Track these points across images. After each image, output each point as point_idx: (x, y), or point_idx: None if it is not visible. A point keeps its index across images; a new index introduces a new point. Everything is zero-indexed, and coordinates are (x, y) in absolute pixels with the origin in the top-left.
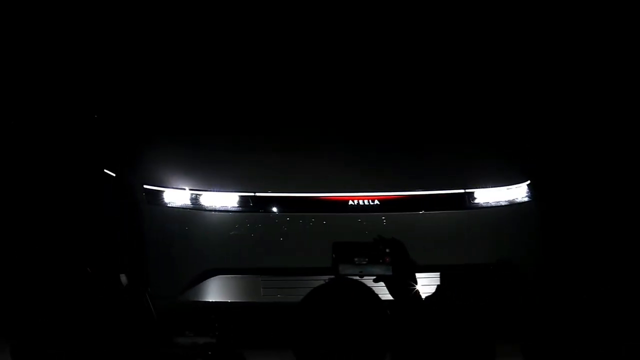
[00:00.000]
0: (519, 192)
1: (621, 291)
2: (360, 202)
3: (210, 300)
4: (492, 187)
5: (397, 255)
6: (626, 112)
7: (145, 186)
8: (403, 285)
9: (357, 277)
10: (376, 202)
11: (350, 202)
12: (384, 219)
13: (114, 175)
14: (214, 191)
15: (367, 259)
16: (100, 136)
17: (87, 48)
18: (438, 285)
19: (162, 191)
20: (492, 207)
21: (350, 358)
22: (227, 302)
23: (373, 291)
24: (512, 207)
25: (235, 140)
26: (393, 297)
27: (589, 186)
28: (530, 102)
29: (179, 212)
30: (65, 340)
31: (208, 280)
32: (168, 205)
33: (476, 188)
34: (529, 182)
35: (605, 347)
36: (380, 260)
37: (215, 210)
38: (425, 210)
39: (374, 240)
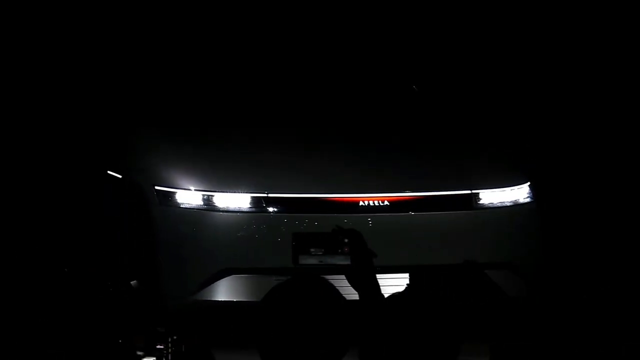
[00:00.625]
0: (521, 193)
1: (621, 291)
2: (371, 202)
3: (224, 300)
4: (495, 188)
5: (355, 246)
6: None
7: (156, 187)
8: (362, 275)
9: (325, 276)
10: (386, 202)
11: (361, 203)
12: (393, 219)
13: (119, 176)
14: (227, 192)
15: (325, 250)
16: (107, 138)
17: (93, 48)
18: (407, 284)
19: (174, 192)
20: (497, 207)
21: (312, 354)
22: (241, 301)
23: (334, 287)
24: (516, 207)
25: (246, 141)
26: (353, 287)
27: (588, 186)
28: (529, 103)
29: (191, 212)
30: (64, 340)
31: (221, 280)
32: (180, 206)
33: (481, 189)
34: (529, 183)
35: (605, 347)
36: (339, 251)
37: (228, 211)
38: (434, 211)
39: (332, 231)
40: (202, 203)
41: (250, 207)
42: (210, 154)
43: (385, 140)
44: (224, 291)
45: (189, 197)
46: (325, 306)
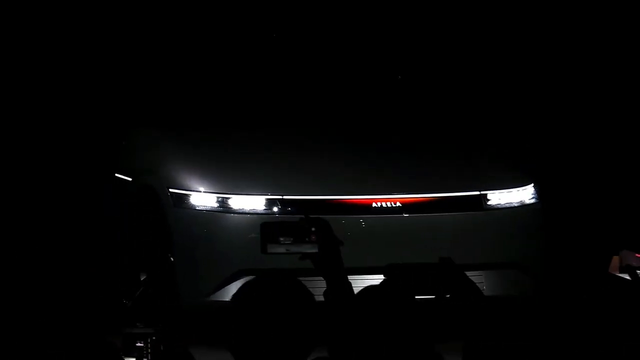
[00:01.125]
0: (526, 194)
1: (621, 291)
2: (384, 204)
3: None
4: (502, 189)
5: (322, 234)
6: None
7: (170, 190)
8: (329, 262)
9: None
10: (398, 204)
11: (374, 205)
12: (406, 220)
13: (129, 179)
14: (242, 194)
15: (293, 238)
16: (115, 141)
17: (101, 50)
18: (384, 280)
19: (189, 194)
20: (505, 208)
21: (278, 351)
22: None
23: (304, 285)
24: (522, 208)
25: (259, 144)
26: (320, 274)
27: (589, 185)
28: (530, 104)
29: (206, 214)
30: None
31: (236, 281)
32: (195, 208)
33: (489, 190)
34: (533, 183)
35: (605, 347)
36: (307, 239)
37: (243, 213)
38: (444, 212)
39: (300, 220)
40: (217, 205)
41: (265, 209)
42: (224, 157)
43: (396, 143)
44: None
45: (204, 199)
46: (293, 305)
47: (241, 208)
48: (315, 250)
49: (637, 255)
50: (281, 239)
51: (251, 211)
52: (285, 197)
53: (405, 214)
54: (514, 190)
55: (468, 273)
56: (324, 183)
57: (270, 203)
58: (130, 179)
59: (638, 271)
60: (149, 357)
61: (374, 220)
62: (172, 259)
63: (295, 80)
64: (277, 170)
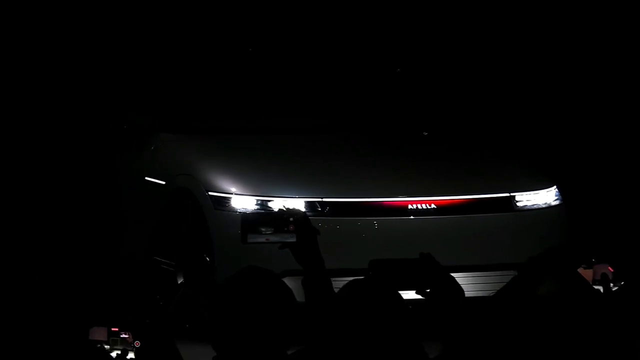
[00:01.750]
0: (550, 195)
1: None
2: (419, 205)
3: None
4: (529, 191)
5: (299, 224)
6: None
7: (209, 193)
8: (306, 251)
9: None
10: (433, 205)
11: (410, 206)
12: (440, 222)
13: (163, 183)
14: (281, 197)
15: (272, 228)
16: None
17: (138, 58)
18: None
19: (229, 197)
20: (533, 209)
21: (258, 345)
22: (298, 302)
23: (282, 282)
24: (548, 209)
25: (296, 147)
26: (298, 262)
27: (608, 186)
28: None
29: None
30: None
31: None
32: (236, 210)
33: (517, 192)
34: (556, 185)
35: (605, 347)
36: (285, 229)
37: None
38: (477, 213)
39: (279, 210)
40: (257, 207)
41: (305, 211)
42: (263, 161)
43: (429, 146)
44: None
45: (243, 201)
46: (271, 300)
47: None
48: (293, 239)
49: (610, 269)
50: (261, 229)
51: None
52: (324, 199)
53: (440, 215)
54: (540, 191)
55: (501, 272)
56: (361, 186)
57: (309, 205)
58: (163, 183)
59: (612, 284)
60: (134, 349)
61: (410, 222)
62: (208, 259)
63: (330, 86)
64: (315, 173)
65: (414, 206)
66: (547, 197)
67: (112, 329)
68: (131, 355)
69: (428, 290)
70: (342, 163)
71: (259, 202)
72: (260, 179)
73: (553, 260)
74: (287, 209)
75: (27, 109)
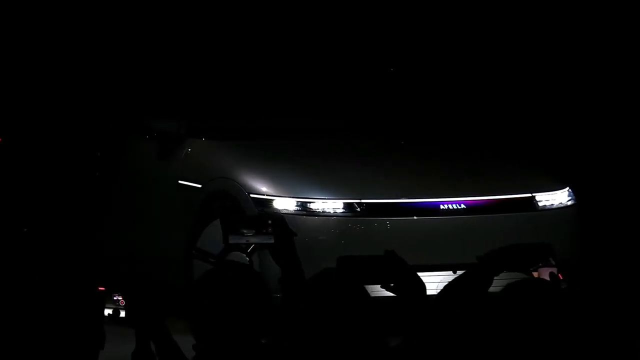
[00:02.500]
0: (565, 196)
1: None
2: (450, 205)
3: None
4: (548, 191)
5: (277, 226)
6: None
7: (251, 195)
8: (283, 252)
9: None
10: (463, 205)
11: (441, 206)
12: (469, 221)
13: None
14: (321, 199)
15: (253, 230)
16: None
17: (170, 64)
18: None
19: (271, 199)
20: (552, 209)
21: (234, 333)
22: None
23: (259, 275)
24: (565, 209)
25: (334, 150)
26: (275, 262)
27: (620, 187)
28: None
29: (288, 217)
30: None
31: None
32: (278, 211)
33: (538, 192)
34: (569, 186)
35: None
36: (264, 230)
37: (323, 215)
38: (503, 213)
39: (258, 213)
40: (298, 209)
41: (342, 212)
42: (300, 164)
43: (457, 149)
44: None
45: (285, 203)
46: (246, 291)
47: (321, 210)
48: (271, 241)
49: (560, 276)
50: (242, 231)
51: (330, 214)
52: (362, 200)
53: (469, 215)
54: (557, 192)
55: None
56: (396, 187)
57: (347, 206)
58: (199, 186)
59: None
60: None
61: (441, 221)
62: (248, 259)
63: (362, 91)
64: (351, 175)
65: (445, 206)
66: (562, 197)
67: (100, 288)
68: (123, 314)
69: (392, 285)
70: (375, 165)
71: (299, 203)
72: (299, 181)
73: (505, 260)
74: (266, 212)
75: (47, 112)
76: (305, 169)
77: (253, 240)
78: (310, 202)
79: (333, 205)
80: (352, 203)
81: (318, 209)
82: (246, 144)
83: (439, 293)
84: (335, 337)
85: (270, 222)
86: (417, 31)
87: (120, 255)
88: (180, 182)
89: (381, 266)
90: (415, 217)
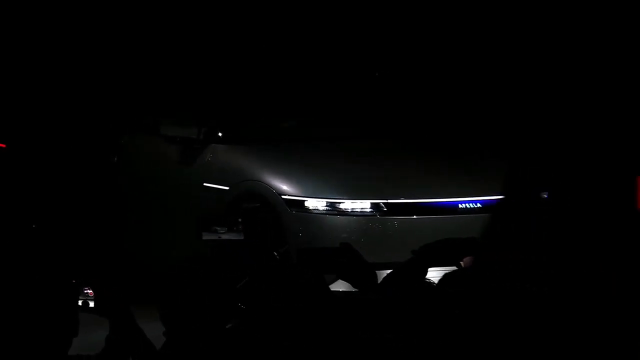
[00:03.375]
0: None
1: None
2: (467, 205)
3: (344, 290)
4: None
5: (247, 224)
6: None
7: (282, 197)
8: (252, 248)
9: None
10: (478, 204)
11: (460, 205)
12: (483, 219)
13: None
14: (349, 199)
15: (225, 228)
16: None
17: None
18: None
19: (303, 200)
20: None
21: (200, 319)
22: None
23: (223, 267)
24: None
25: (361, 153)
26: (245, 257)
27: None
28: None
29: (319, 216)
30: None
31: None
32: (308, 211)
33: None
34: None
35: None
36: (234, 228)
37: (351, 215)
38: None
39: (227, 212)
40: (328, 208)
41: (369, 211)
42: (328, 167)
43: (469, 151)
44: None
45: (315, 203)
46: (212, 282)
47: (350, 210)
48: (240, 237)
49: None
50: (214, 228)
51: (358, 213)
52: (388, 200)
53: (483, 213)
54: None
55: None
56: (419, 188)
57: (373, 206)
58: (226, 188)
59: None
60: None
61: (458, 219)
62: (277, 255)
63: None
64: (377, 177)
65: (464, 205)
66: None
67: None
68: (92, 304)
69: (345, 274)
70: (402, 168)
71: (329, 203)
72: (328, 183)
73: (436, 253)
74: (235, 211)
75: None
76: (333, 171)
77: (224, 236)
78: (339, 202)
79: (361, 205)
80: (379, 203)
81: (347, 208)
82: (271, 148)
83: (380, 283)
84: (298, 327)
85: (240, 220)
86: (425, 37)
87: (151, 257)
88: (205, 184)
89: (336, 257)
90: (436, 216)
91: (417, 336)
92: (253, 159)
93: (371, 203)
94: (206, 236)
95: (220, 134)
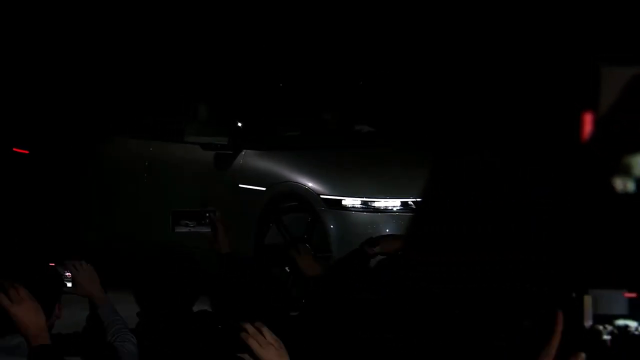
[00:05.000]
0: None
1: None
2: None
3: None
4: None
5: (213, 219)
6: None
7: (321, 196)
8: (217, 239)
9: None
10: None
11: None
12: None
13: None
14: (382, 198)
15: (194, 222)
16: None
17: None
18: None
19: (340, 199)
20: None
21: (169, 300)
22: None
23: (195, 259)
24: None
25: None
26: (213, 248)
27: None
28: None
29: (355, 214)
30: None
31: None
32: (346, 209)
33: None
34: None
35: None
36: (203, 222)
37: (384, 212)
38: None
39: (198, 209)
40: (364, 206)
41: (400, 209)
42: (358, 169)
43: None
44: None
45: (352, 202)
46: (181, 267)
47: (382, 207)
48: (208, 230)
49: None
50: (185, 222)
51: (390, 210)
52: (417, 199)
53: None
54: None
55: None
56: None
57: (403, 204)
58: (263, 189)
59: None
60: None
61: None
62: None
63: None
64: (406, 177)
65: None
66: None
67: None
68: (69, 284)
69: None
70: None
71: (364, 202)
72: (362, 184)
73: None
74: (204, 208)
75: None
76: (365, 173)
77: (194, 229)
78: (373, 201)
79: (392, 203)
80: (407, 201)
81: (380, 206)
82: (306, 153)
83: (327, 270)
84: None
85: (208, 215)
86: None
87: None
88: (240, 185)
89: (280, 252)
90: None
91: (417, 336)
92: (290, 163)
93: (401, 201)
94: (178, 229)
95: (251, 141)
